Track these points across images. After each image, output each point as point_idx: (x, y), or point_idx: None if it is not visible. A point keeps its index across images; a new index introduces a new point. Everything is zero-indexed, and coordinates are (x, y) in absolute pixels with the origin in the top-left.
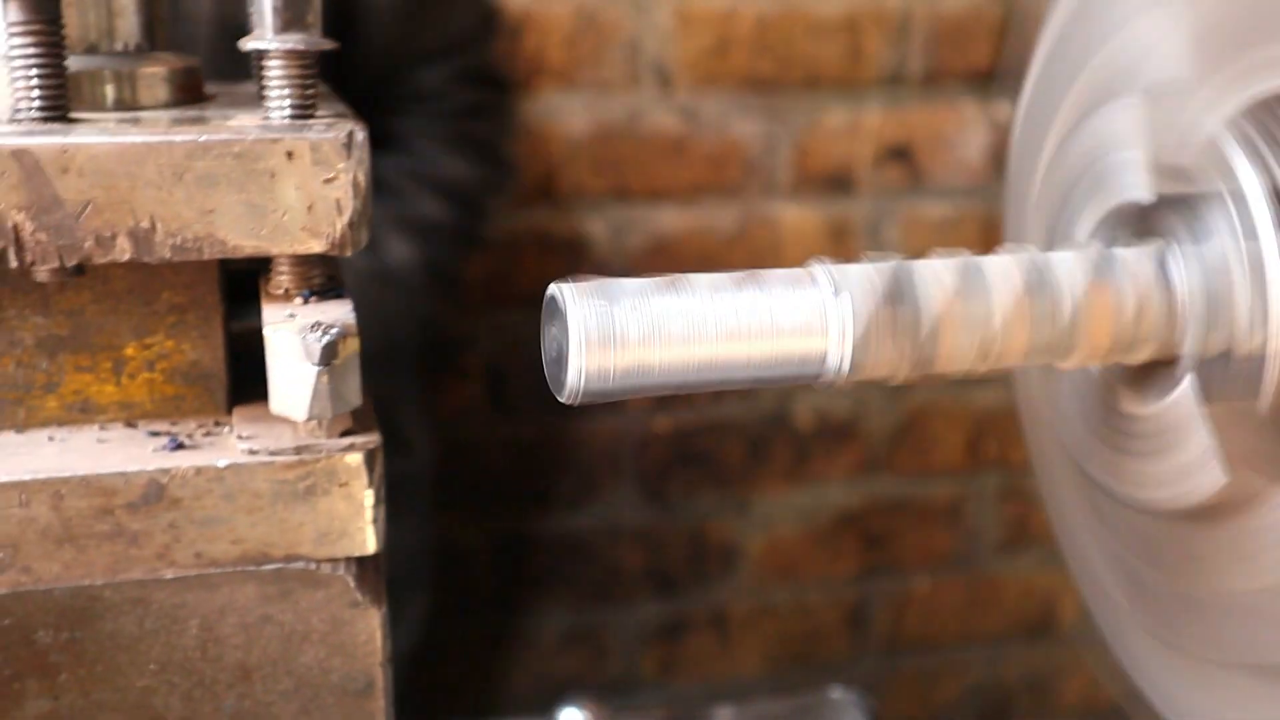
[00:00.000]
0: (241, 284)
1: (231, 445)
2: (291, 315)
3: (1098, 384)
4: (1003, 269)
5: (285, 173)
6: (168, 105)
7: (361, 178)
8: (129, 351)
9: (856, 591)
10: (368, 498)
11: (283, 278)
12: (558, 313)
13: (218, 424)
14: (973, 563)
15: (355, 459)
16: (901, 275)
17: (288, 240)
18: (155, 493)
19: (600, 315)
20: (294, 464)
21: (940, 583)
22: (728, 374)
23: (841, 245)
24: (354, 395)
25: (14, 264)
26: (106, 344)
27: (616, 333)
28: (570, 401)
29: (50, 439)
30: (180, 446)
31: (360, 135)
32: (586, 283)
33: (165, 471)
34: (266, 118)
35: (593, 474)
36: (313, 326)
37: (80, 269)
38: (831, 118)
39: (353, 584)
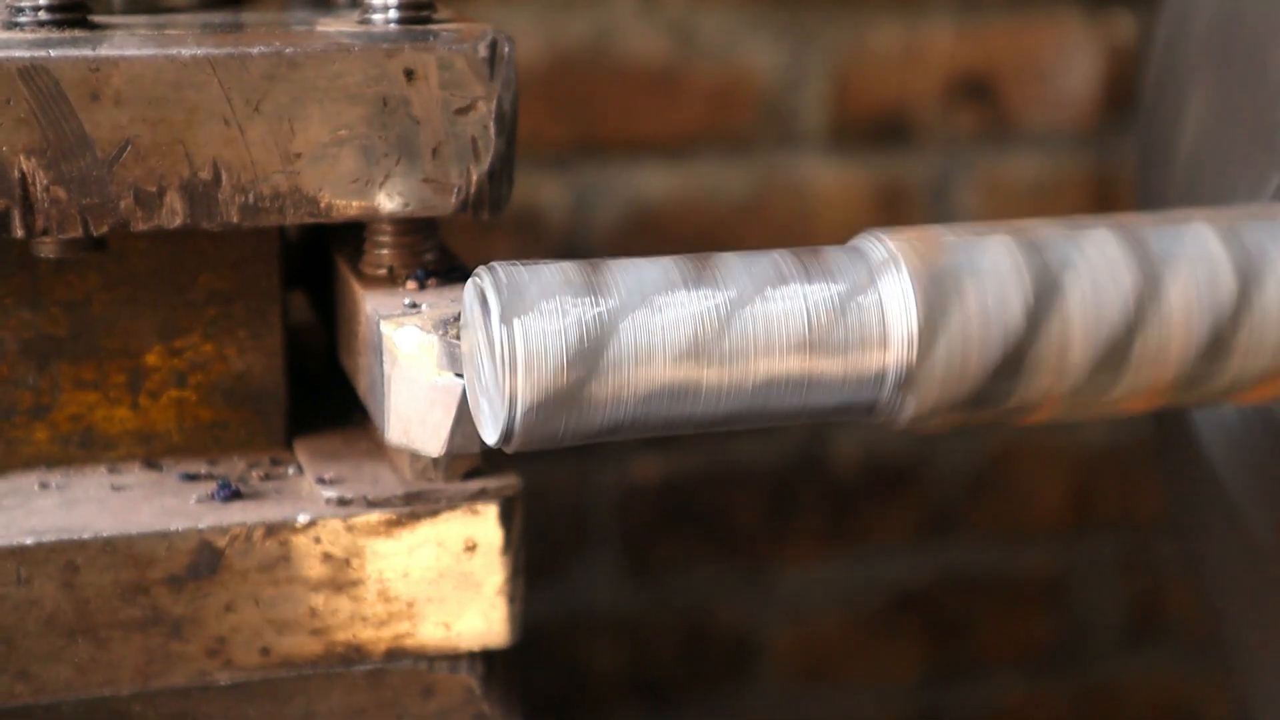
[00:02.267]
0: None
1: (308, 492)
2: (413, 305)
3: None
4: (1165, 244)
5: (402, 99)
6: (198, 5)
7: (508, 107)
8: (151, 359)
9: (921, 701)
10: (503, 565)
11: (383, 252)
12: (481, 316)
13: (276, 462)
14: (1082, 661)
15: (488, 511)
16: (1011, 244)
17: (403, 197)
18: (208, 562)
19: (548, 321)
20: (403, 518)
21: (1037, 689)
22: (735, 407)
23: (895, 217)
24: None
25: (19, 232)
26: (120, 349)
27: (573, 346)
28: (501, 446)
29: (42, 485)
30: (235, 495)
31: (507, 47)
32: (527, 268)
33: (221, 531)
34: (365, 19)
35: (552, 540)
36: (450, 323)
37: (102, 241)
38: (881, 38)
39: (478, 689)
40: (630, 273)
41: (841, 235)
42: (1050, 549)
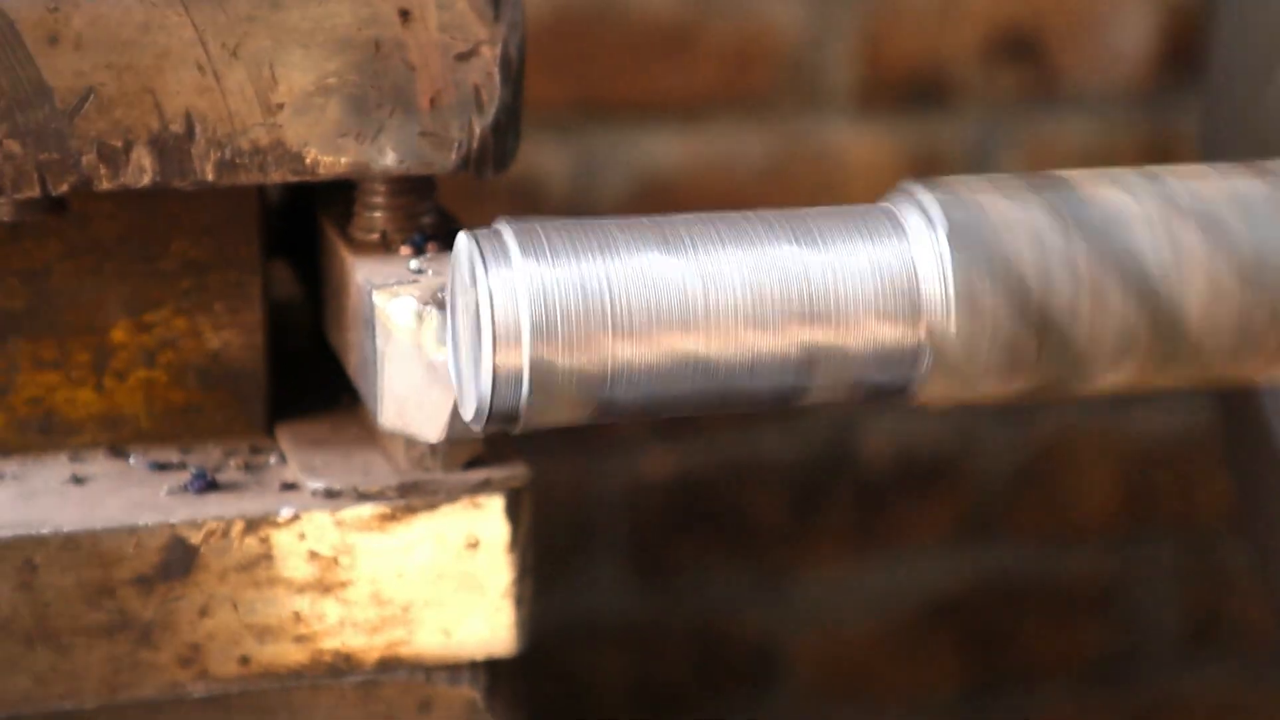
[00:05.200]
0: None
1: (291, 483)
2: (419, 273)
3: None
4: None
5: (397, 43)
6: None
7: (515, 52)
8: (117, 336)
9: (959, 718)
10: (509, 564)
11: (376, 215)
12: (468, 279)
13: (256, 450)
14: (1136, 674)
15: (492, 503)
16: (1055, 200)
17: (398, 152)
18: (180, 560)
19: (542, 282)
20: (397, 512)
21: (1087, 704)
22: (753, 385)
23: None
24: None
25: None
26: (84, 324)
27: (569, 312)
28: (479, 425)
29: None
30: (211, 485)
31: None
32: (518, 227)
33: (195, 527)
34: None
35: (552, 541)
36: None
37: (62, 202)
38: None
39: (481, 702)
40: (632, 233)
41: None
42: (1102, 550)
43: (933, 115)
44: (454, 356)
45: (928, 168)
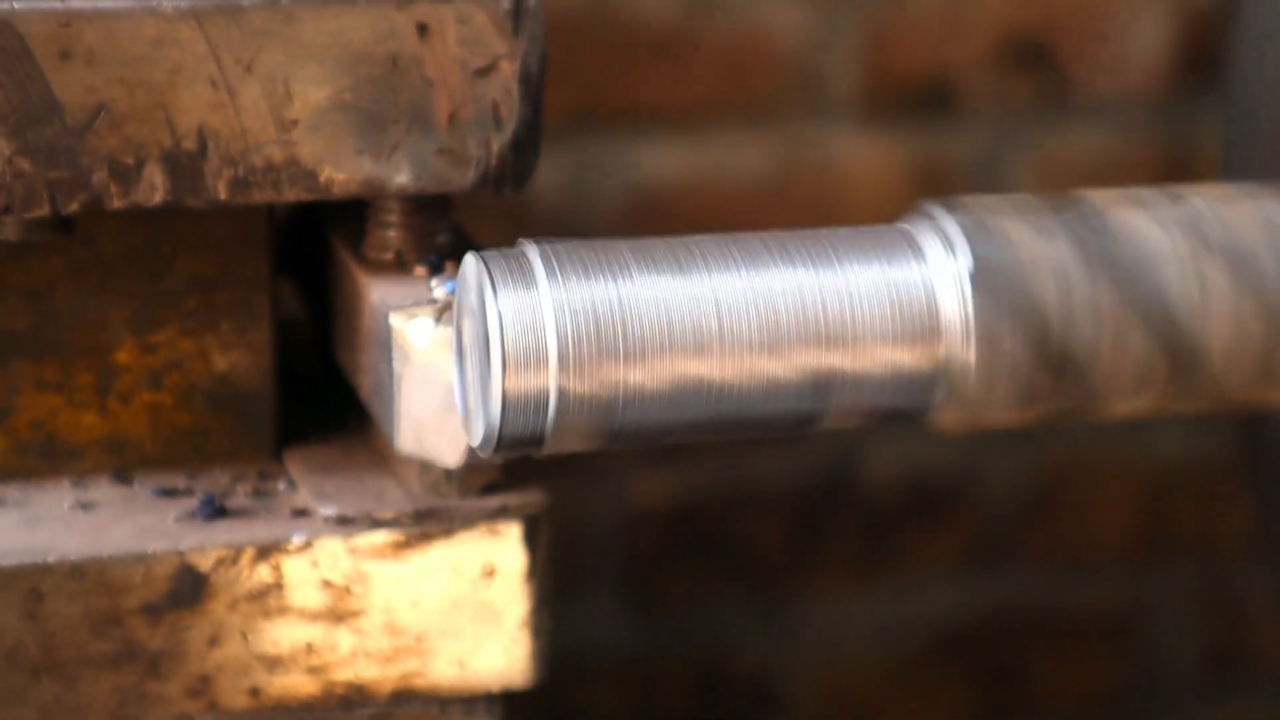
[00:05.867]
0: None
1: (302, 510)
2: (433, 297)
3: None
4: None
5: (414, 59)
6: None
7: (535, 67)
8: (121, 357)
9: None
10: (527, 594)
11: (390, 234)
12: (476, 302)
13: (265, 475)
14: (1155, 709)
15: (510, 530)
16: (1082, 233)
17: (414, 170)
18: (189, 589)
19: (554, 305)
20: (412, 539)
21: None
22: (766, 410)
23: (937, 198)
24: None
25: None
26: (87, 345)
27: (581, 336)
28: (487, 452)
29: None
30: (220, 512)
31: (534, 0)
32: (543, 247)
33: (204, 554)
34: None
35: None
36: None
37: (70, 221)
38: None
39: None
40: (645, 255)
41: (875, 218)
42: (1117, 579)
43: (940, 124)
44: (460, 382)
45: (934, 179)
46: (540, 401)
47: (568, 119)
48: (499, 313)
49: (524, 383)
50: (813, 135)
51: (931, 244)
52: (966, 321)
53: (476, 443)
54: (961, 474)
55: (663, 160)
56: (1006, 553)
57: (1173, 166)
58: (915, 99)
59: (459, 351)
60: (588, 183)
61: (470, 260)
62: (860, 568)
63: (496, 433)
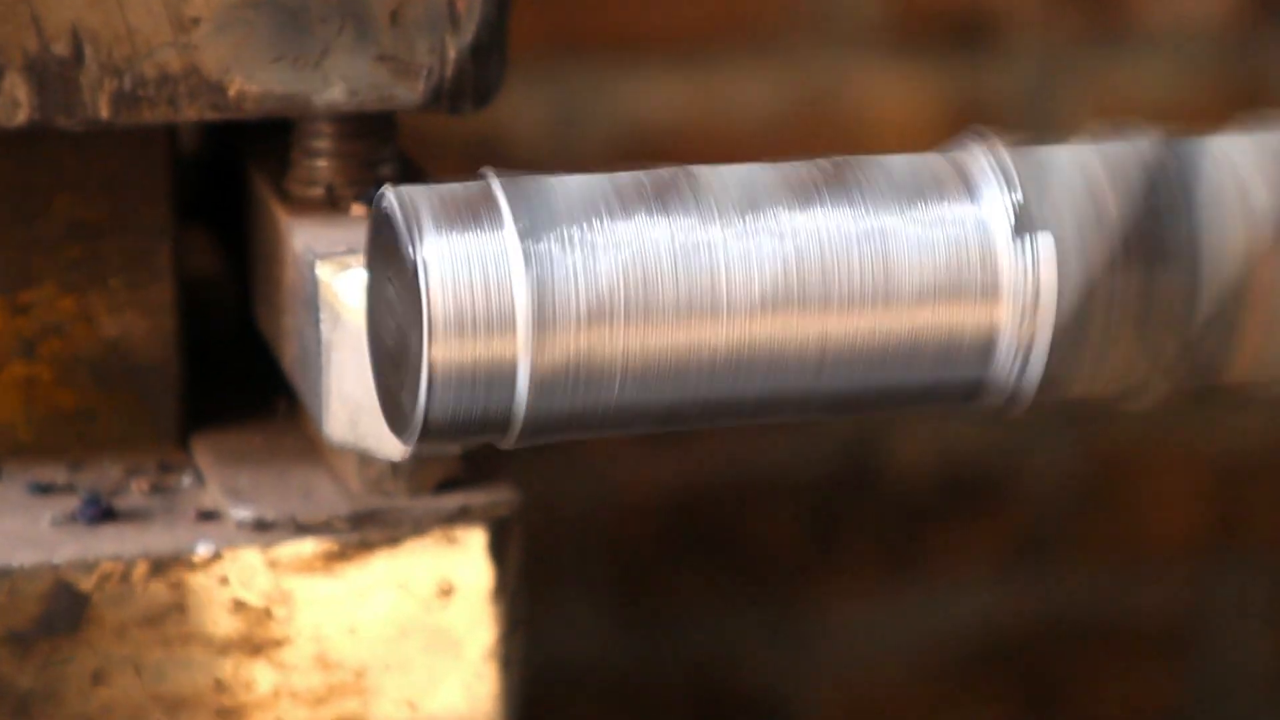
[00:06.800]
0: None
1: (213, 511)
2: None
3: None
4: None
5: None
6: None
7: None
8: None
9: None
10: (493, 617)
11: (320, 164)
12: (397, 252)
13: (166, 467)
14: None
15: (472, 538)
16: (1165, 171)
17: (348, 82)
18: (67, 611)
19: (525, 253)
20: (348, 549)
21: None
22: (780, 388)
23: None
24: None
25: None
26: None
27: (539, 296)
28: (411, 443)
29: None
30: (108, 514)
31: None
32: (491, 182)
33: (87, 568)
34: None
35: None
36: None
37: None
38: None
39: None
40: (633, 192)
41: None
42: (1180, 582)
43: (978, 56)
44: (374, 351)
45: (973, 118)
46: (498, 376)
47: (549, 49)
48: (423, 260)
49: (468, 351)
50: (829, 68)
51: (989, 173)
52: (1035, 269)
53: (402, 437)
54: (1002, 462)
55: (657, 96)
56: (1053, 552)
57: (1241, 105)
58: (949, 28)
59: (372, 315)
60: (572, 121)
61: (387, 194)
62: (885, 570)
63: (421, 419)
